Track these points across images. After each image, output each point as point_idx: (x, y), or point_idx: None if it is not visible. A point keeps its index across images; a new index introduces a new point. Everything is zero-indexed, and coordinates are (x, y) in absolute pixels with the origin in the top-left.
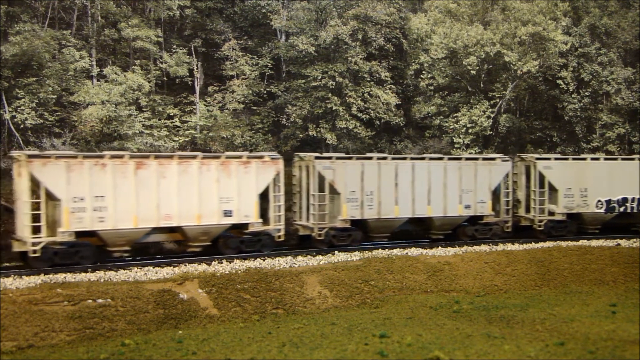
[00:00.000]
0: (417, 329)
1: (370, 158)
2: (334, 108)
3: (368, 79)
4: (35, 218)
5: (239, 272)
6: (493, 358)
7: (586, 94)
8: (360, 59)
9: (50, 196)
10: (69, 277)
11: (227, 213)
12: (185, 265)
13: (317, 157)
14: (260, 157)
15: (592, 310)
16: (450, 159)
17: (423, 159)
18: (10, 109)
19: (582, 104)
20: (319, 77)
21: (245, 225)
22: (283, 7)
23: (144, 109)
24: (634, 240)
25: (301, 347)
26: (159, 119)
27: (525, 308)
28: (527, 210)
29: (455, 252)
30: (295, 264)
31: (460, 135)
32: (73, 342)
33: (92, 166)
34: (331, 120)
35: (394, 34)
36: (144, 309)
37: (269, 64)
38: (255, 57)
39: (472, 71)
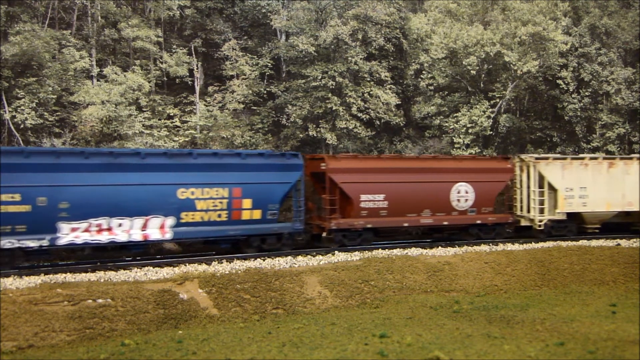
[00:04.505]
0: (417, 329)
1: None
2: (334, 108)
3: (368, 79)
4: (540, 202)
5: (239, 272)
6: (493, 358)
7: (586, 94)
8: (360, 59)
9: (550, 187)
10: (69, 277)
11: None
12: (185, 265)
13: None
14: None
15: (592, 310)
16: None
17: None
18: (10, 109)
19: (582, 104)
20: (319, 77)
21: None
22: (283, 7)
23: (144, 109)
24: (634, 240)
25: (301, 347)
26: (159, 119)
27: (525, 308)
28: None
29: (455, 252)
30: (295, 264)
31: (460, 135)
32: (73, 342)
33: (578, 165)
34: (331, 120)
35: (394, 34)
36: (144, 309)
37: (269, 64)
38: (255, 57)
39: (472, 71)
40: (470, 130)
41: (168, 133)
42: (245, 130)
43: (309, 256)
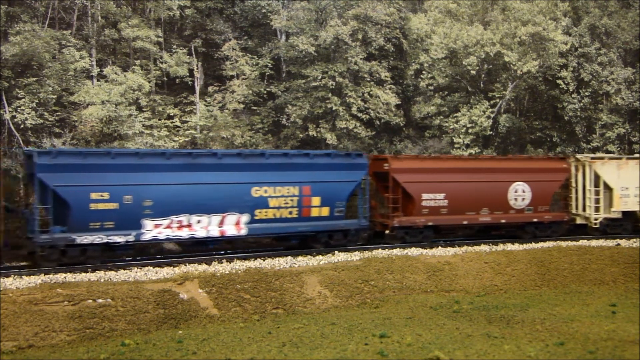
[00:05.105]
0: (417, 329)
1: None
2: (334, 108)
3: (368, 79)
4: (595, 201)
5: (239, 272)
6: (493, 358)
7: (586, 94)
8: (360, 59)
9: (606, 186)
10: (69, 277)
11: None
12: (186, 265)
13: None
14: None
15: (592, 310)
16: None
17: None
18: (10, 109)
19: (582, 104)
20: (319, 77)
21: None
22: (283, 7)
23: (144, 109)
24: (634, 240)
25: (301, 347)
26: (159, 119)
27: (525, 308)
28: None
29: (455, 252)
30: (295, 264)
31: (460, 135)
32: (73, 342)
33: (634, 165)
34: (331, 120)
35: (394, 34)
36: (144, 309)
37: (269, 64)
38: (255, 57)
39: (472, 71)
40: (470, 130)
41: (168, 133)
42: (245, 130)
43: (309, 256)
